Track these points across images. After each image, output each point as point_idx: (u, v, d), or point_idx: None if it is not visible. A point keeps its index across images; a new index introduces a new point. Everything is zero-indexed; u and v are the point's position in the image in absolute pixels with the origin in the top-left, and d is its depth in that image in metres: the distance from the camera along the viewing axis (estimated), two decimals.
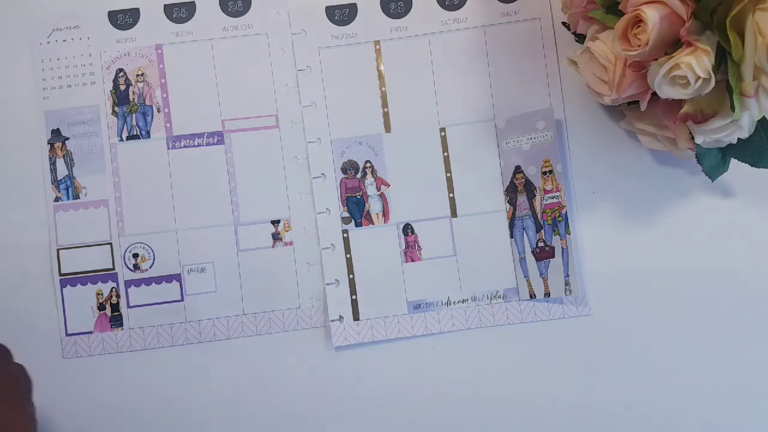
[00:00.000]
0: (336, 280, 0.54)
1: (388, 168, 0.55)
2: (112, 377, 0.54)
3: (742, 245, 0.54)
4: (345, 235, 0.55)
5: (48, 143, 0.55)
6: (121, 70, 0.56)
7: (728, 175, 0.51)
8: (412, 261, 0.54)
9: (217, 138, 0.55)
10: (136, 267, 0.55)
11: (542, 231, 0.54)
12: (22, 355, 0.54)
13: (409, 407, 0.54)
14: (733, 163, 0.50)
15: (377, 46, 0.55)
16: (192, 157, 0.55)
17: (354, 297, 0.54)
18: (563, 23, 0.54)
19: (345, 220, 0.55)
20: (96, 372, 0.54)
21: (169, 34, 0.56)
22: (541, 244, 0.54)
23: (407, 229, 0.55)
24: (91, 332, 0.54)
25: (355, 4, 0.56)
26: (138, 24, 0.56)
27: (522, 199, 0.54)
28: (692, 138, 0.46)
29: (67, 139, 0.55)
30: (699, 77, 0.41)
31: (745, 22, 0.39)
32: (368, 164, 0.55)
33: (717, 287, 0.54)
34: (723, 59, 0.41)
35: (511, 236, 0.54)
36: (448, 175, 0.55)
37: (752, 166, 0.48)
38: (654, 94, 0.44)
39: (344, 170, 0.55)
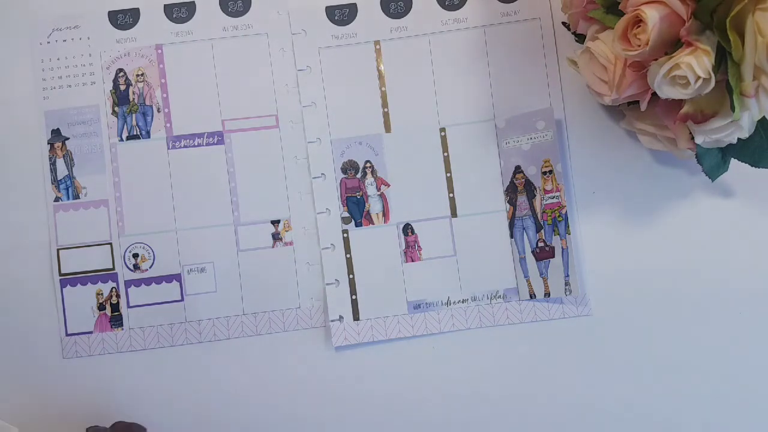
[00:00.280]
0: (336, 280, 0.54)
1: (388, 168, 0.55)
2: (112, 377, 0.54)
3: (742, 245, 0.54)
4: (345, 235, 0.55)
5: (48, 143, 0.55)
6: (121, 70, 0.56)
7: (728, 175, 0.51)
8: (412, 261, 0.54)
9: (217, 138, 0.55)
10: (136, 267, 0.55)
11: (542, 231, 0.54)
12: (22, 355, 0.54)
13: (409, 407, 0.54)
14: (733, 163, 0.50)
15: (377, 46, 0.55)
16: (192, 157, 0.55)
17: (354, 297, 0.54)
18: (563, 23, 0.54)
19: (345, 220, 0.55)
20: (96, 372, 0.54)
21: (169, 34, 0.56)
22: (541, 244, 0.54)
23: (407, 229, 0.55)
24: (91, 332, 0.54)
25: (355, 4, 0.56)
26: (138, 24, 0.56)
27: (522, 199, 0.54)
28: (692, 138, 0.46)
29: (67, 139, 0.55)
30: (699, 77, 0.41)
31: (745, 22, 0.39)
32: (368, 164, 0.55)
33: (717, 287, 0.54)
34: (723, 59, 0.41)
35: (511, 236, 0.54)
36: (448, 175, 0.55)
37: (752, 166, 0.48)
38: (654, 94, 0.44)
39: (344, 170, 0.55)
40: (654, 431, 0.53)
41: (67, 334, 0.54)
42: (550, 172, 0.53)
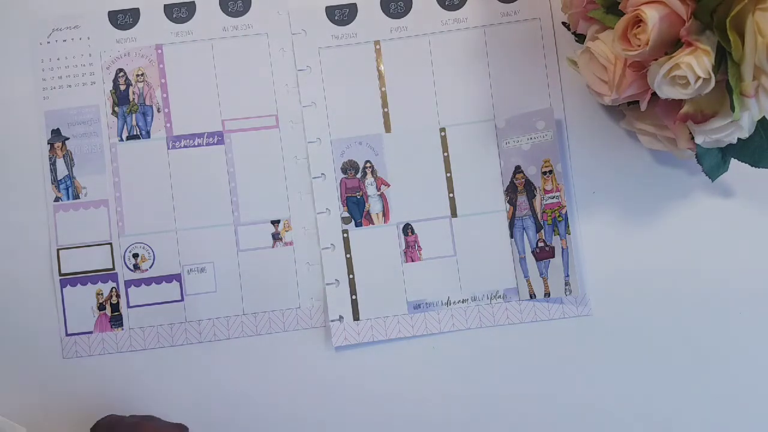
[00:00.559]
0: (336, 280, 0.54)
1: (388, 168, 0.55)
2: (112, 377, 0.54)
3: (742, 245, 0.54)
4: (345, 235, 0.55)
5: (48, 143, 0.55)
6: (121, 70, 0.56)
7: (728, 175, 0.51)
8: (412, 261, 0.54)
9: (217, 138, 0.55)
10: (136, 267, 0.55)
11: (542, 231, 0.54)
12: (22, 355, 0.54)
13: (409, 407, 0.54)
14: (733, 163, 0.50)
15: (377, 46, 0.55)
16: (192, 157, 0.55)
17: (354, 297, 0.54)
18: (563, 23, 0.54)
19: (345, 220, 0.55)
20: (96, 372, 0.54)
21: (169, 34, 0.56)
22: (541, 244, 0.54)
23: (407, 229, 0.55)
24: (91, 332, 0.54)
25: (355, 4, 0.56)
26: (138, 24, 0.56)
27: (522, 199, 0.54)
28: (692, 138, 0.46)
29: (67, 139, 0.55)
30: (699, 77, 0.41)
31: (745, 22, 0.39)
32: (368, 164, 0.55)
33: (717, 287, 0.54)
34: (723, 59, 0.41)
35: (511, 236, 0.54)
36: (448, 175, 0.55)
37: (752, 166, 0.48)
38: (654, 94, 0.44)
39: (344, 170, 0.55)
40: (654, 431, 0.53)
41: (67, 334, 0.54)
42: (550, 172, 0.53)
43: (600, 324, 0.54)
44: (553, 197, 0.53)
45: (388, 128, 0.55)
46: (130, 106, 0.56)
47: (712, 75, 0.41)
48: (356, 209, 0.55)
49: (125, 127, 0.55)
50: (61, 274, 0.55)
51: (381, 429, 0.54)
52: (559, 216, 0.53)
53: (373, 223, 0.55)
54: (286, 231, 0.55)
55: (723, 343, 0.53)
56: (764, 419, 0.53)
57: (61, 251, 0.55)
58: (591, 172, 0.55)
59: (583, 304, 0.54)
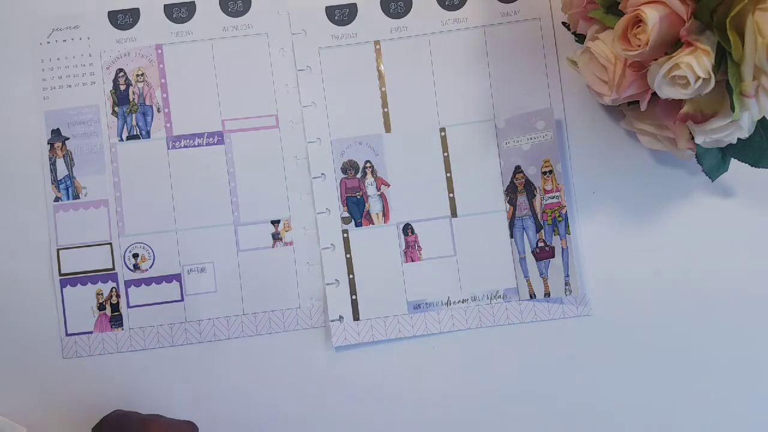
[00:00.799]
0: (336, 280, 0.54)
1: (388, 168, 0.55)
2: (112, 377, 0.54)
3: (742, 245, 0.54)
4: (345, 235, 0.55)
5: (48, 143, 0.55)
6: (121, 70, 0.56)
7: (728, 175, 0.51)
8: (412, 261, 0.54)
9: (217, 138, 0.55)
10: (136, 267, 0.55)
11: (542, 231, 0.54)
12: (22, 355, 0.54)
13: (409, 407, 0.54)
14: (733, 163, 0.50)
15: (377, 46, 0.55)
16: (192, 157, 0.55)
17: (354, 297, 0.54)
18: (563, 23, 0.54)
19: (345, 220, 0.55)
20: (96, 372, 0.54)
21: (169, 34, 0.56)
22: (541, 244, 0.54)
23: (407, 229, 0.55)
24: (91, 332, 0.54)
25: (355, 4, 0.56)
26: (138, 24, 0.56)
27: (522, 199, 0.54)
28: (692, 138, 0.46)
29: (67, 139, 0.55)
30: (699, 77, 0.41)
31: (745, 22, 0.39)
32: (368, 164, 0.55)
33: (717, 287, 0.54)
34: (723, 59, 0.41)
35: (511, 236, 0.54)
36: (448, 175, 0.55)
37: (752, 166, 0.48)
38: (654, 94, 0.44)
39: (344, 170, 0.55)
40: (654, 431, 0.53)
41: (67, 334, 0.54)
42: (550, 172, 0.53)
43: (600, 324, 0.54)
44: (553, 197, 0.53)
45: (388, 128, 0.55)
46: (130, 106, 0.56)
47: (712, 75, 0.41)
48: (356, 209, 0.55)
49: (125, 127, 0.55)
50: (61, 274, 0.55)
51: (381, 429, 0.54)
52: (559, 216, 0.53)
53: (373, 223, 0.55)
54: (286, 231, 0.55)
55: (723, 343, 0.53)
56: (764, 419, 0.53)
57: (61, 251, 0.55)
58: (591, 172, 0.54)
59: (583, 304, 0.54)
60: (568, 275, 0.53)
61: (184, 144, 0.55)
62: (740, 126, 0.43)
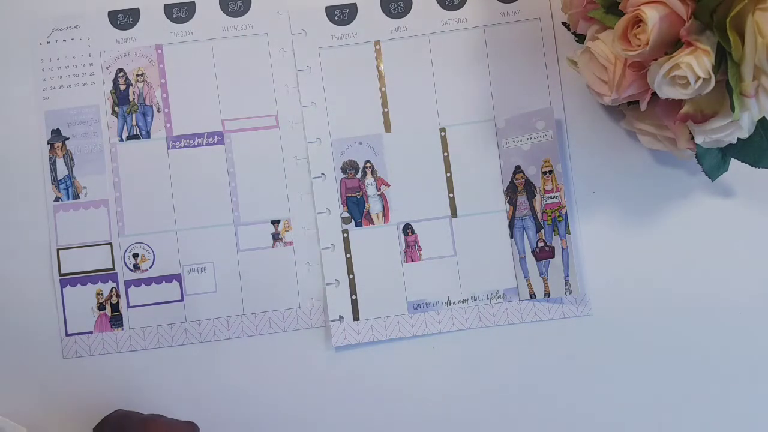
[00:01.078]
0: (336, 280, 0.54)
1: (388, 168, 0.55)
2: (112, 377, 0.54)
3: (742, 245, 0.54)
4: (345, 235, 0.55)
5: (48, 143, 0.55)
6: (121, 70, 0.56)
7: (728, 175, 0.51)
8: (412, 261, 0.54)
9: (217, 138, 0.55)
10: (136, 267, 0.55)
11: (542, 231, 0.54)
12: (22, 355, 0.54)
13: (409, 407, 0.54)
14: (733, 163, 0.50)
15: (377, 46, 0.55)
16: (192, 157, 0.55)
17: (354, 297, 0.54)
18: (563, 23, 0.54)
19: (345, 220, 0.55)
20: (96, 372, 0.54)
21: (169, 34, 0.56)
22: (541, 244, 0.54)
23: (407, 229, 0.55)
24: (91, 332, 0.54)
25: (355, 4, 0.56)
26: (138, 24, 0.56)
27: (522, 199, 0.54)
28: (692, 138, 0.46)
29: (67, 139, 0.55)
30: (699, 77, 0.41)
31: (745, 22, 0.39)
32: (368, 164, 0.55)
33: (717, 287, 0.54)
34: (723, 59, 0.41)
35: (511, 236, 0.54)
36: (448, 175, 0.55)
37: (752, 166, 0.48)
38: (654, 94, 0.44)
39: (344, 170, 0.55)
40: (654, 431, 0.53)
41: (67, 334, 0.54)
42: (550, 172, 0.53)
43: (600, 324, 0.54)
44: (553, 197, 0.53)
45: (388, 128, 0.55)
46: (130, 106, 0.56)
47: (712, 75, 0.41)
48: (356, 209, 0.55)
49: (125, 127, 0.55)
50: (61, 274, 0.55)
51: (381, 429, 0.54)
52: (559, 216, 0.53)
53: (373, 223, 0.55)
54: (286, 231, 0.55)
55: (723, 343, 0.53)
56: (764, 419, 0.53)
57: (61, 251, 0.55)
58: (591, 172, 0.55)
59: (583, 304, 0.54)
60: (568, 275, 0.53)
61: (184, 144, 0.55)
62: (740, 126, 0.43)
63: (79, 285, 0.55)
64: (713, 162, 0.50)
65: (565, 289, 0.53)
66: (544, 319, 0.54)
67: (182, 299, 0.54)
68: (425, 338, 0.54)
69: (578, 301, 0.54)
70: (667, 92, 0.43)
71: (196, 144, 0.55)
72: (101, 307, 0.54)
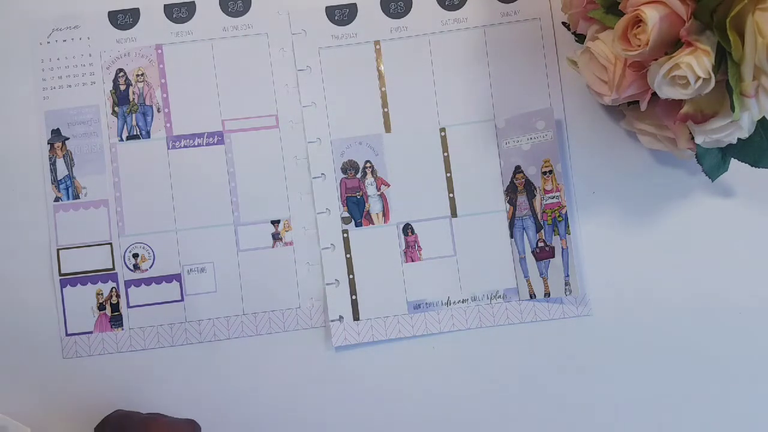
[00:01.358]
0: (336, 280, 0.54)
1: (388, 168, 0.55)
2: (112, 377, 0.54)
3: (742, 245, 0.54)
4: (345, 235, 0.55)
5: (48, 143, 0.55)
6: (121, 70, 0.56)
7: (728, 175, 0.51)
8: (412, 261, 0.54)
9: (217, 138, 0.55)
10: (136, 267, 0.55)
11: (542, 231, 0.54)
12: (22, 355, 0.54)
13: (408, 407, 0.54)
14: (733, 163, 0.50)
15: (377, 46, 0.55)
16: (192, 157, 0.55)
17: (354, 297, 0.54)
18: (563, 23, 0.54)
19: (345, 220, 0.55)
20: (96, 372, 0.54)
21: (169, 34, 0.56)
22: (541, 244, 0.54)
23: (407, 229, 0.55)
24: (91, 332, 0.54)
25: (355, 4, 0.56)
26: (138, 24, 0.56)
27: (522, 199, 0.54)
28: (692, 138, 0.46)
29: (67, 139, 0.55)
30: (699, 77, 0.41)
31: (745, 22, 0.39)
32: (368, 164, 0.55)
33: (717, 287, 0.54)
34: (723, 59, 0.41)
35: (511, 236, 0.54)
36: (448, 175, 0.55)
37: (752, 166, 0.48)
38: (654, 94, 0.44)
39: (344, 170, 0.55)
40: (654, 431, 0.53)
41: (67, 334, 0.54)
42: (550, 172, 0.53)
43: (600, 324, 0.54)
44: (553, 197, 0.53)
45: (388, 128, 0.55)
46: (130, 106, 0.56)
47: (712, 75, 0.41)
48: (356, 209, 0.55)
49: (125, 127, 0.55)
50: (61, 274, 0.55)
51: (381, 429, 0.54)
52: (559, 216, 0.53)
53: (373, 223, 0.55)
54: (286, 231, 0.55)
55: (722, 343, 0.53)
56: (764, 419, 0.53)
57: (61, 251, 0.55)
58: (591, 172, 0.55)
59: (583, 304, 0.54)
60: (568, 275, 0.53)
61: (184, 144, 0.55)
62: (740, 126, 0.43)
63: (79, 285, 0.55)
64: (713, 162, 0.50)
65: (565, 289, 0.53)
66: (544, 319, 0.54)
67: (182, 299, 0.54)
68: (425, 338, 0.54)
69: (578, 301, 0.54)
70: (667, 92, 0.43)
71: (196, 144, 0.55)
72: (101, 307, 0.54)
